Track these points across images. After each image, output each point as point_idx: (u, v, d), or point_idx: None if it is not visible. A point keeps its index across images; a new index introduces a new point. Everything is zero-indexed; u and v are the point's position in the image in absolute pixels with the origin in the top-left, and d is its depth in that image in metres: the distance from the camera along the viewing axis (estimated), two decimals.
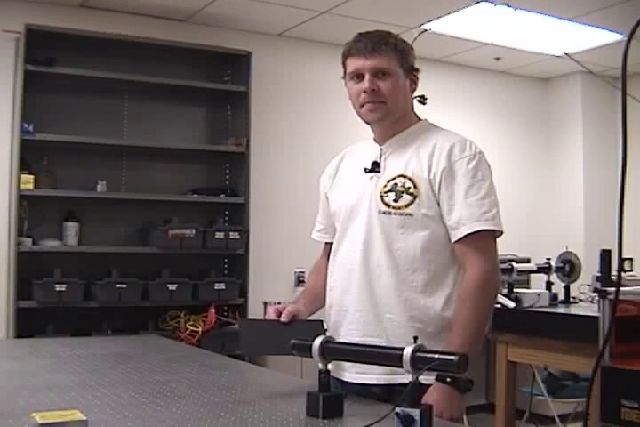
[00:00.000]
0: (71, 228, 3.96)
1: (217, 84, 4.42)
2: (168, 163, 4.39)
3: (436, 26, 4.46)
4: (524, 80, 5.76)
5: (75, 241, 3.97)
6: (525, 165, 5.72)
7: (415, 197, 1.84)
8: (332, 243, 2.05)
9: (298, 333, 1.70)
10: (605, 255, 3.32)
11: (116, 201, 4.14)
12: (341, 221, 1.98)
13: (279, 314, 1.90)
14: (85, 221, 4.05)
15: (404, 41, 1.95)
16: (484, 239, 1.82)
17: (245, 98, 4.30)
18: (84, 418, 1.33)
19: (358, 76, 1.90)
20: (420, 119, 2.01)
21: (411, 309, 1.83)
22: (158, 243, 4.03)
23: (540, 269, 3.99)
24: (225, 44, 4.37)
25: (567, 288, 3.91)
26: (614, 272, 3.26)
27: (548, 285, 3.93)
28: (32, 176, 3.78)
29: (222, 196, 4.33)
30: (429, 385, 1.68)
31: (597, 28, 4.44)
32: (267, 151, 4.60)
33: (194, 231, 4.07)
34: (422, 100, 2.03)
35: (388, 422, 1.35)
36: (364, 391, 1.81)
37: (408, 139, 1.94)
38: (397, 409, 1.34)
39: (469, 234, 1.80)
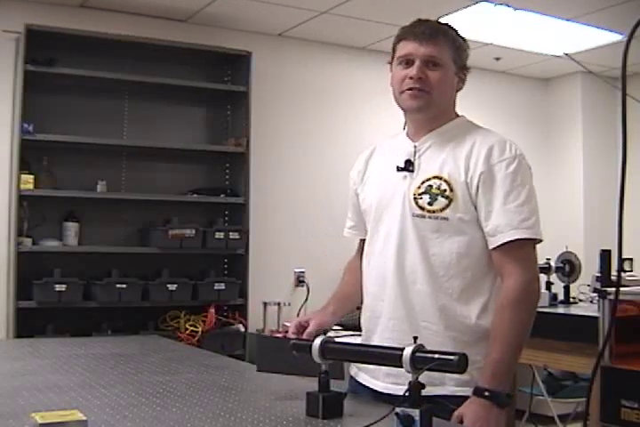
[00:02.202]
0: (71, 228, 3.96)
1: (217, 85, 4.42)
2: (168, 163, 4.39)
3: None
4: (524, 80, 5.76)
5: (75, 241, 3.97)
6: None
7: (451, 201, 1.74)
8: (365, 240, 1.97)
9: (308, 356, 1.61)
10: (605, 255, 3.32)
11: (116, 201, 4.14)
12: (372, 221, 1.88)
13: (301, 330, 1.83)
14: (85, 222, 4.05)
15: (464, 38, 1.87)
16: (523, 248, 1.74)
17: (245, 98, 4.30)
18: (84, 418, 1.33)
19: (408, 61, 1.80)
20: (457, 116, 1.90)
21: (447, 317, 1.75)
22: (158, 243, 4.03)
23: (539, 270, 3.99)
24: (225, 45, 4.37)
25: (567, 288, 3.92)
26: (614, 272, 3.26)
27: (548, 285, 3.93)
28: (32, 176, 3.78)
29: (222, 196, 4.33)
30: (465, 397, 1.65)
31: (597, 28, 4.44)
32: (267, 151, 4.60)
33: (194, 231, 4.07)
34: None
35: (388, 423, 1.35)
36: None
37: (444, 136, 1.84)
38: (397, 409, 1.34)
39: (507, 242, 1.72)
